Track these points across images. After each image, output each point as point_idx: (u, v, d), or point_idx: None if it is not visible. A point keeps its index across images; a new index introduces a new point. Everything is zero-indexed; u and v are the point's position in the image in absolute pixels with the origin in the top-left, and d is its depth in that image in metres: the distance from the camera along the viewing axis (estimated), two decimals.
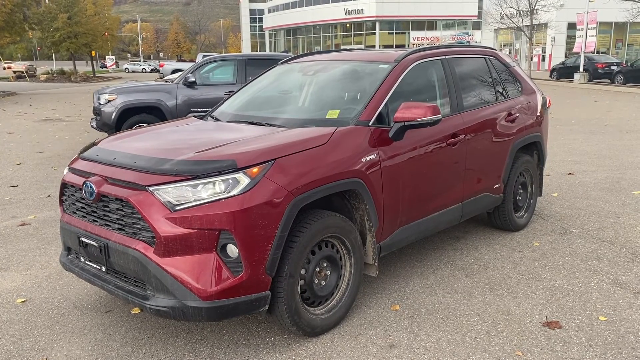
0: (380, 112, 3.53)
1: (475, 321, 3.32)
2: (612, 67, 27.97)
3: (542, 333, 3.17)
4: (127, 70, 64.54)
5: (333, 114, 3.60)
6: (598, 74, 28.35)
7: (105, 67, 66.02)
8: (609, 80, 27.43)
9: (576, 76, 28.57)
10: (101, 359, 2.97)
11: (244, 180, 2.76)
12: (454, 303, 3.57)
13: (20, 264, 4.36)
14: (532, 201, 5.16)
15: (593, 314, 3.39)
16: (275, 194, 2.79)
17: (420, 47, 4.36)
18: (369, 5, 56.87)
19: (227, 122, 3.92)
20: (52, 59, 59.75)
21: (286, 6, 68.36)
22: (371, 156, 3.33)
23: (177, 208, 2.72)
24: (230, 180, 2.75)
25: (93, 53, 44.86)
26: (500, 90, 4.76)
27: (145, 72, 60.96)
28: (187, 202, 2.73)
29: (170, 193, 2.75)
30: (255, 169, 2.80)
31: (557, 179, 6.99)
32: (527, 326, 3.25)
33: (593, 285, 3.82)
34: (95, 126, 9.41)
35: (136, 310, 3.48)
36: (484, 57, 4.75)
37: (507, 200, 4.76)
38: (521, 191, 5.02)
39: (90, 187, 2.96)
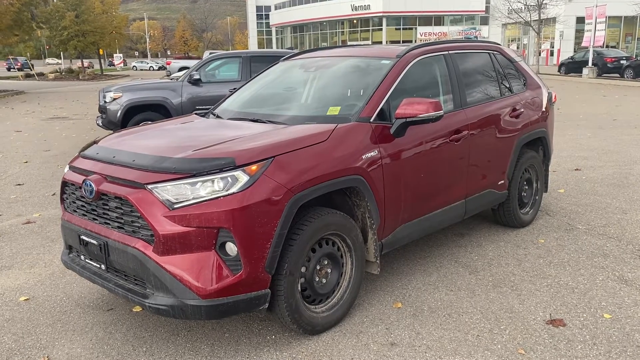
0: (381, 109, 3.50)
1: (478, 319, 3.29)
2: (622, 62, 27.65)
3: (546, 331, 3.14)
4: (134, 68, 64.78)
5: (334, 111, 3.58)
6: (607, 68, 28.06)
7: (113, 65, 66.30)
8: (618, 75, 27.15)
9: (585, 71, 28.33)
10: (102, 357, 2.97)
11: (242, 178, 2.74)
12: (457, 301, 3.54)
13: (24, 262, 4.38)
14: (537, 197, 5.11)
15: (598, 312, 3.35)
16: (274, 191, 2.77)
17: (424, 42, 4.32)
18: (376, 1, 56.65)
19: (229, 119, 3.91)
20: (61, 58, 60.10)
21: (292, 3, 68.27)
22: (372, 153, 3.30)
23: (175, 206, 2.71)
24: (229, 178, 2.74)
25: (101, 51, 45.08)
26: (505, 85, 4.71)
27: (153, 69, 61.13)
28: (186, 200, 2.71)
29: (169, 191, 2.74)
30: (254, 167, 2.78)
31: (563, 175, 6.93)
32: (530, 324, 3.22)
33: (598, 282, 3.78)
34: (101, 124, 9.44)
35: (138, 309, 3.48)
36: (488, 52, 4.70)
37: (512, 197, 4.71)
38: (526, 187, 4.97)
39: (90, 185, 2.96)
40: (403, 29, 58.91)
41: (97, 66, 47.74)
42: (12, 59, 58.48)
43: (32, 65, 48.23)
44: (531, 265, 4.09)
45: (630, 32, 45.34)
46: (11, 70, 51.58)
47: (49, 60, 50.65)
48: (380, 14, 57.54)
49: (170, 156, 2.88)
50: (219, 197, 2.70)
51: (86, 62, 46.98)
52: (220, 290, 2.70)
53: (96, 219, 3.05)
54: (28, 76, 40.59)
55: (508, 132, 4.52)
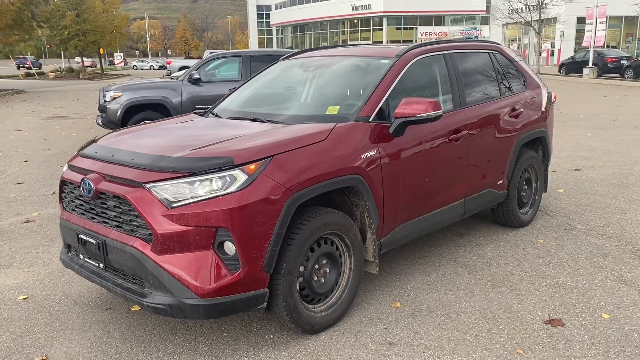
0: (380, 108, 3.49)
1: (476, 319, 3.29)
2: (622, 62, 27.63)
3: (544, 331, 3.13)
4: (135, 67, 64.79)
5: (333, 110, 3.57)
6: (608, 68, 28.03)
7: (114, 64, 66.35)
8: (618, 75, 27.14)
9: (585, 71, 28.31)
10: (100, 357, 2.97)
11: (241, 177, 2.74)
12: (456, 300, 3.54)
13: (23, 261, 4.38)
14: (536, 197, 5.11)
15: (596, 312, 3.35)
16: (272, 191, 2.77)
17: (424, 42, 4.32)
18: (376, 1, 56.65)
19: (228, 118, 3.91)
20: (61, 57, 60.20)
21: (293, 2, 68.27)
22: (371, 152, 3.30)
23: (174, 205, 2.71)
24: (227, 177, 2.74)
25: (102, 50, 45.09)
26: (504, 85, 4.70)
27: (154, 69, 61.12)
28: (184, 199, 2.71)
29: (167, 190, 2.74)
30: (252, 166, 2.78)
31: (563, 175, 6.92)
32: (529, 324, 3.22)
33: (597, 282, 3.77)
34: (101, 123, 9.44)
35: (136, 308, 3.48)
36: (488, 52, 4.70)
37: (511, 197, 4.71)
38: (526, 187, 4.96)
39: (88, 184, 2.96)
40: (404, 28, 58.91)
41: (97, 65, 48.01)
42: (21, 57, 59.80)
43: (41, 65, 49.41)
44: (530, 265, 4.09)
45: (630, 32, 45.32)
46: (20, 68, 52.76)
47: (77, 59, 52.63)
48: (381, 14, 57.53)
49: (168, 155, 2.88)
50: (217, 196, 2.70)
51: (90, 61, 47.75)
52: (219, 289, 2.70)
53: (94, 218, 3.05)
54: (28, 75, 40.58)
55: (507, 131, 4.51)
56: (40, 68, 46.23)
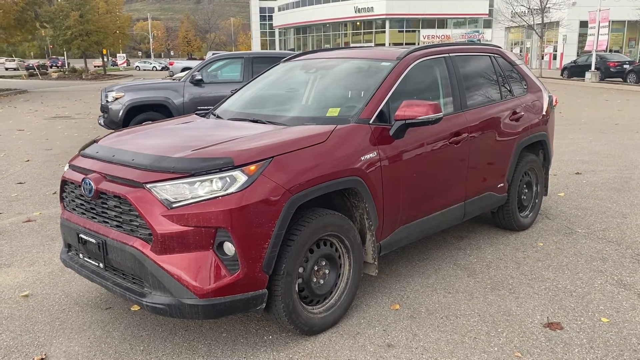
0: (381, 110, 3.50)
1: (475, 321, 3.29)
2: (625, 66, 27.66)
3: (543, 334, 3.14)
4: (137, 68, 64.91)
5: (333, 112, 3.58)
6: (610, 72, 28.06)
7: (116, 65, 66.55)
8: (621, 79, 27.14)
9: (587, 75, 28.29)
10: (99, 356, 2.98)
11: (241, 178, 2.75)
12: (455, 303, 3.54)
13: (23, 260, 4.39)
14: (537, 201, 5.11)
15: (595, 316, 3.35)
16: (272, 192, 2.78)
17: (425, 44, 4.32)
18: (379, 4, 56.73)
19: (229, 119, 3.92)
20: (64, 57, 60.52)
21: (296, 4, 68.40)
22: (371, 154, 3.31)
23: (174, 205, 2.72)
24: (227, 178, 2.75)
25: (104, 51, 45.23)
26: (505, 88, 4.71)
27: (156, 70, 61.23)
28: (184, 200, 2.72)
29: (168, 190, 2.75)
30: (252, 167, 2.79)
31: (564, 179, 6.92)
32: (527, 327, 3.22)
33: (597, 286, 3.77)
34: (102, 124, 9.46)
35: (136, 308, 3.49)
36: (489, 55, 4.71)
37: (512, 200, 4.71)
38: (526, 190, 4.97)
39: (89, 184, 2.97)
40: (406, 31, 58.97)
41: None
42: (54, 58, 64.38)
43: (69, 64, 52.35)
44: (530, 268, 4.09)
45: (633, 36, 45.27)
46: (52, 67, 55.34)
47: (94, 62, 55.79)
48: (384, 16, 57.60)
49: (169, 156, 2.89)
50: (217, 196, 2.71)
51: (100, 62, 48.31)
52: (218, 289, 2.71)
53: (95, 218, 3.06)
54: (31, 75, 40.70)
55: (508, 135, 4.52)
56: (68, 67, 48.49)
